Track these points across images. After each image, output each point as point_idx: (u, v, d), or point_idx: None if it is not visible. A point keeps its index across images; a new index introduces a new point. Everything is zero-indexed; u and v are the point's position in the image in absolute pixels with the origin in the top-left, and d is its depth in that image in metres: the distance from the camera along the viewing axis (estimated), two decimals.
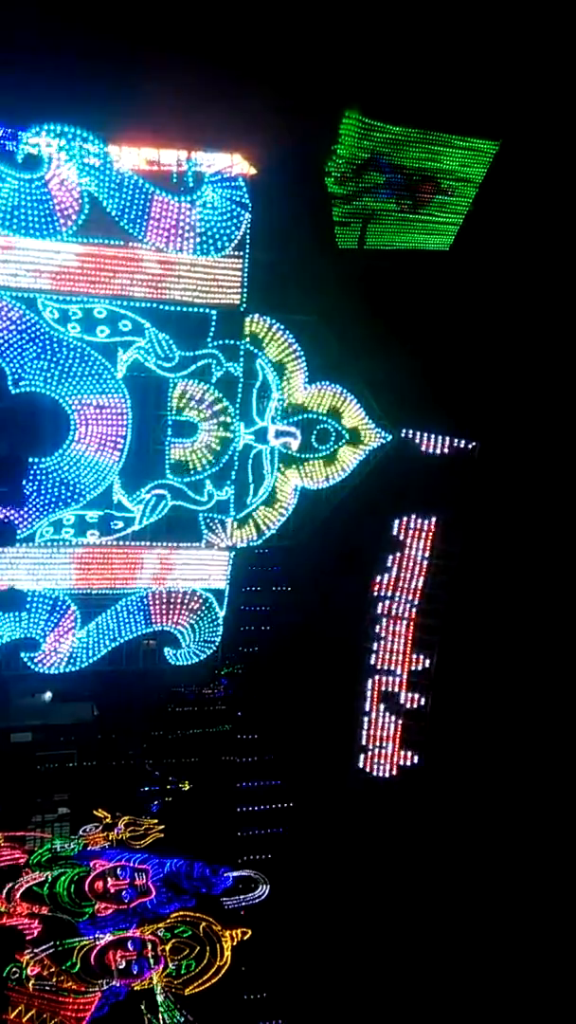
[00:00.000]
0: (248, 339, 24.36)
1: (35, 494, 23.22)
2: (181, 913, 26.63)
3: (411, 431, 26.63)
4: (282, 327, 24.58)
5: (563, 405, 30.05)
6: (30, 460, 23.09)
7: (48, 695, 29.91)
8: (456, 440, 27.12)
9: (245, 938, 27.00)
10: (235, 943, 26.75)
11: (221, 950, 26.52)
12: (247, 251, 23.49)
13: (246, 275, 23.66)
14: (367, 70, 25.29)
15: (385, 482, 26.73)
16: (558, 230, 28.31)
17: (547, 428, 30.12)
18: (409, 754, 28.74)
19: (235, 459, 24.75)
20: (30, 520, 23.41)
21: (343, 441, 25.59)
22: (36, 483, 23.19)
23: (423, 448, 26.75)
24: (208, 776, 32.65)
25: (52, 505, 23.47)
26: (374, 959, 31.44)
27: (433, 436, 26.90)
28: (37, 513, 23.41)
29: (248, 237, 23.39)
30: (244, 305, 23.97)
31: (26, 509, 23.25)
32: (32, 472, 23.12)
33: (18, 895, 25.27)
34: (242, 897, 28.82)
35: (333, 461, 25.60)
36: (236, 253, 23.46)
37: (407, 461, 26.78)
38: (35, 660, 24.48)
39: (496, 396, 29.12)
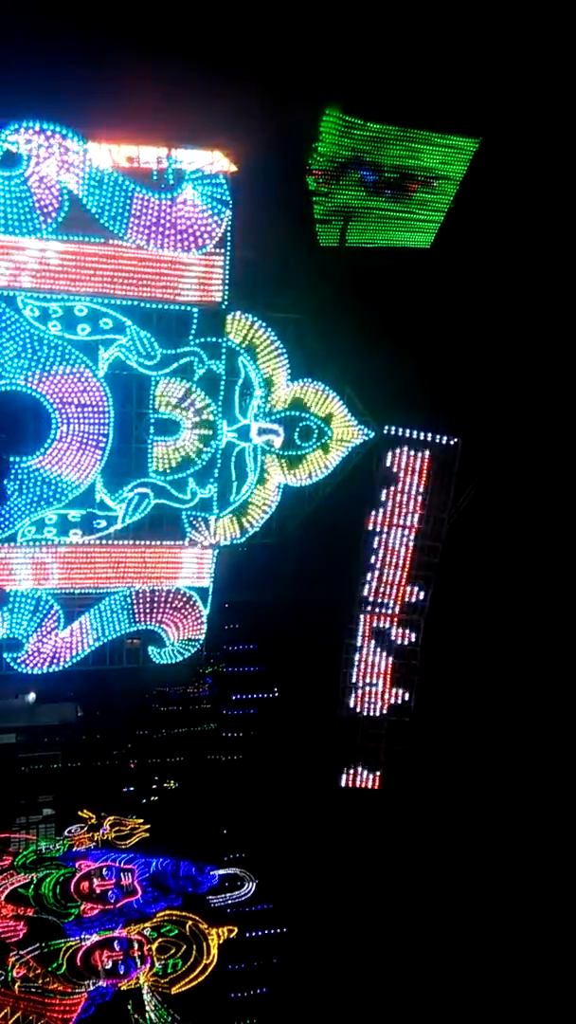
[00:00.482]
0: (230, 337, 24.35)
1: (17, 493, 23.07)
2: (167, 912, 26.66)
3: (393, 428, 26.74)
4: (264, 324, 24.53)
5: (549, 399, 30.22)
6: (11, 459, 22.96)
7: (32, 696, 29.81)
8: (438, 436, 27.26)
9: (231, 936, 27.05)
10: (221, 941, 26.79)
11: (207, 948, 26.54)
12: (228, 249, 23.45)
13: (228, 273, 23.62)
14: (348, 68, 25.33)
15: (367, 478, 26.80)
16: (539, 226, 28.47)
17: (531, 422, 30.28)
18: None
19: (218, 457, 24.71)
20: (12, 519, 23.27)
21: (326, 438, 25.61)
22: (18, 482, 23.04)
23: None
24: (193, 775, 32.65)
25: (34, 504, 23.33)
26: (362, 956, 31.53)
27: (415, 432, 27.00)
28: (19, 512, 23.26)
29: (229, 235, 23.34)
30: (226, 303, 23.91)
31: (7, 508, 23.12)
32: (14, 471, 22.98)
33: (3, 897, 25.19)
34: (228, 895, 28.86)
35: (316, 458, 25.60)
36: (217, 251, 23.37)
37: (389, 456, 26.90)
38: (18, 660, 24.32)
39: (479, 393, 29.27)
